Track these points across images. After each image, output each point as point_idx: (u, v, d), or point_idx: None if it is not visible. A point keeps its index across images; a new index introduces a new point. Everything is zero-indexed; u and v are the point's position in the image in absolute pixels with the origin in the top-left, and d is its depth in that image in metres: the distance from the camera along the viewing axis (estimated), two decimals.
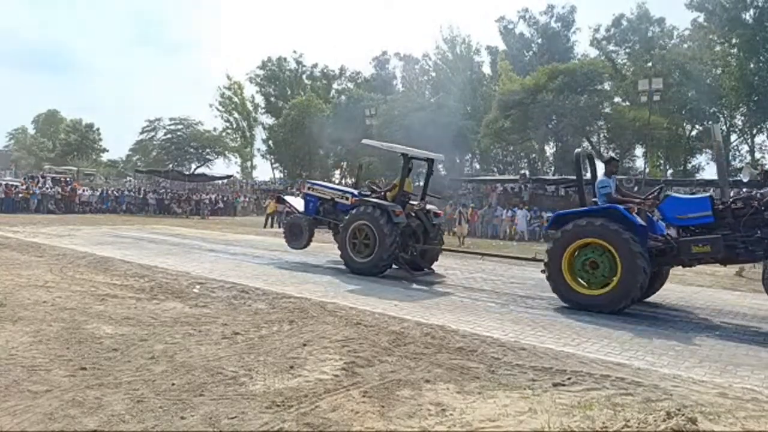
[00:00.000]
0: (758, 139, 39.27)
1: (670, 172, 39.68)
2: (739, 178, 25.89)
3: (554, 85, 33.39)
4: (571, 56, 44.28)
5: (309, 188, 11.50)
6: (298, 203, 12.28)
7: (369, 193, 10.57)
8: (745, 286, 9.88)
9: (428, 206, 10.46)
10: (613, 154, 10.09)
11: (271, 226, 23.06)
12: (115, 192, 33.74)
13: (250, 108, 58.65)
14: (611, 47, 42.88)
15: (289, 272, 9.45)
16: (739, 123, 39.78)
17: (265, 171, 63.11)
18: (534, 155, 43.99)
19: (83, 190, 31.48)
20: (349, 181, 52.91)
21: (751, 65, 37.09)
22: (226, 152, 51.81)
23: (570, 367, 4.41)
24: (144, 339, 4.81)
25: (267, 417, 3.25)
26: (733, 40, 37.95)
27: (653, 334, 5.87)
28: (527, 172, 35.58)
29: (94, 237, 14.40)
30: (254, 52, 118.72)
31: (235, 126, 58.22)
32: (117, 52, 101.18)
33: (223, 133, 55.64)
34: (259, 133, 58.66)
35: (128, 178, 46.82)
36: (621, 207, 6.99)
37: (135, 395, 3.52)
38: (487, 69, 50.53)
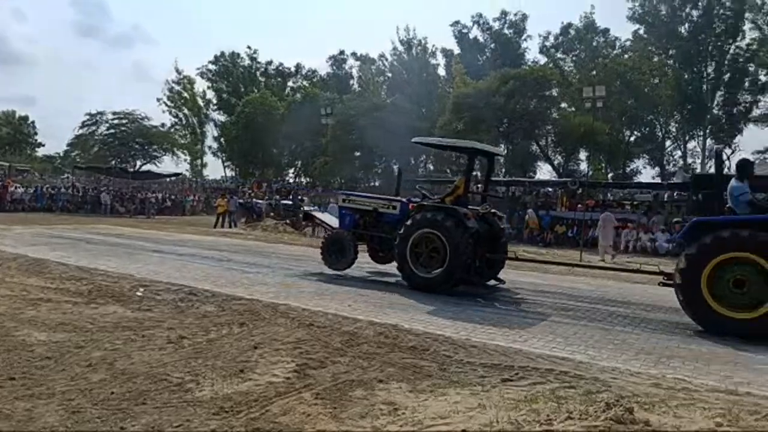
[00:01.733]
0: (690, 144, 41.71)
1: (611, 175, 41.42)
2: (673, 181, 27.49)
3: (506, 90, 34.28)
4: (522, 62, 45.57)
5: (345, 200, 10.02)
6: (329, 218, 11.11)
7: (422, 197, 9.42)
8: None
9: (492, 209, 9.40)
10: (747, 158, 8.42)
11: (222, 226, 22.56)
12: (50, 189, 32.02)
13: (201, 104, 57.12)
14: (559, 55, 44.51)
15: (240, 273, 9.28)
16: (674, 130, 42.08)
17: (216, 169, 61.55)
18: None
19: (15, 187, 29.70)
20: (304, 180, 52.52)
21: (686, 76, 39.37)
22: (175, 149, 50.19)
23: (518, 362, 4.56)
24: (81, 346, 4.60)
25: (214, 424, 3.19)
26: (670, 52, 40.17)
27: (594, 329, 6.15)
28: (478, 174, 36.30)
29: (26, 237, 13.60)
30: (206, 47, 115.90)
31: (184, 122, 56.50)
32: (56, 42, 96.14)
33: (172, 129, 53.91)
34: (211, 130, 57.26)
35: (66, 175, 44.59)
36: None
37: (70, 406, 3.36)
38: (442, 71, 51.30)
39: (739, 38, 38.28)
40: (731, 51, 38.56)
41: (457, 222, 8.05)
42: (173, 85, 55.66)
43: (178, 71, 56.04)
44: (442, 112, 39.38)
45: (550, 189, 30.85)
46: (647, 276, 10.09)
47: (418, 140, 10.35)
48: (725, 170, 7.06)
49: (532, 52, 47.76)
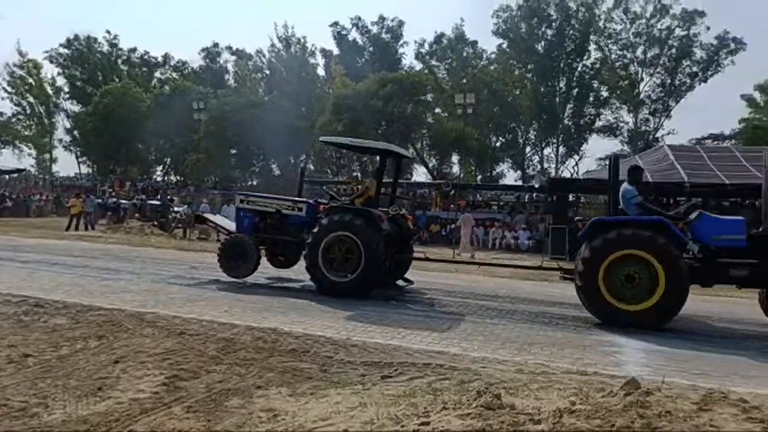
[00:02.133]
0: (546, 151, 46.23)
1: (479, 177, 44.41)
2: (531, 184, 30.27)
3: (384, 93, 35.19)
4: (399, 67, 47.06)
5: (243, 201, 9.41)
6: (223, 221, 10.44)
7: (330, 199, 9.18)
8: (537, 276, 11.46)
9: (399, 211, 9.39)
10: (638, 164, 9.00)
11: (76, 229, 20.29)
12: None
13: (50, 91, 50.87)
14: (433, 62, 46.69)
15: (99, 281, 8.40)
16: (533, 137, 46.32)
17: (68, 165, 55.17)
18: (365, 158, 45.74)
19: None
20: (173, 178, 49.22)
21: (542, 89, 43.52)
22: (17, 142, 44.19)
23: (397, 359, 4.67)
24: None
25: None
26: (529, 66, 44.14)
27: (466, 322, 6.53)
28: (359, 175, 36.92)
29: None
30: (55, 28, 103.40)
31: (29, 111, 49.98)
32: None
33: (13, 119, 47.41)
34: (62, 122, 51.25)
35: None
36: (669, 221, 6.73)
37: None
38: (321, 72, 51.20)
39: (585, 57, 43.21)
40: (579, 68, 43.39)
41: (371, 224, 7.88)
42: (15, 69, 49.00)
43: (21, 53, 49.46)
44: (321, 112, 39.35)
45: (425, 190, 32.23)
46: (514, 271, 10.98)
47: (325, 139, 10.11)
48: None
49: (408, 58, 49.58)
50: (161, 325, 5.47)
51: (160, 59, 54.44)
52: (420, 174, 43.89)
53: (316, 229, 8.09)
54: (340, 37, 49.31)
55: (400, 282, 8.92)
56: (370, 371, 4.33)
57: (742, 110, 35.28)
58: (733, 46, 39.98)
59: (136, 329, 5.31)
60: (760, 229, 6.91)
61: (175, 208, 22.48)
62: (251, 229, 9.13)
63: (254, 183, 42.61)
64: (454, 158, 44.01)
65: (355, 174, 37.50)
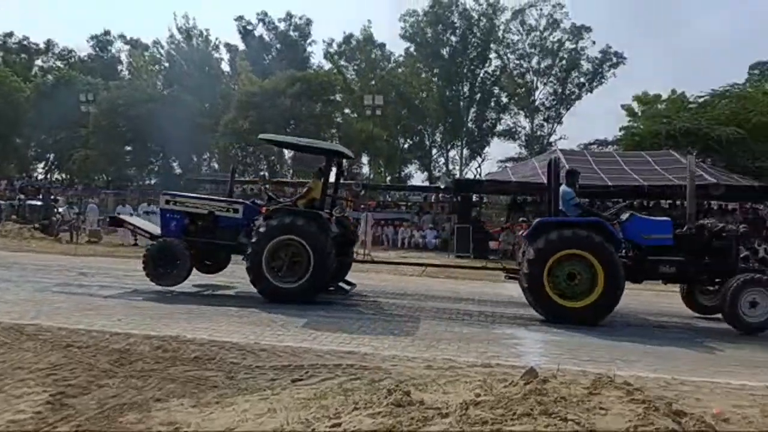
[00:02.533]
0: (452, 153, 48.04)
1: (388, 178, 45.18)
2: (438, 185, 31.32)
3: (292, 91, 34.64)
4: (308, 65, 46.58)
5: (170, 201, 8.66)
6: (144, 223, 9.58)
7: (268, 200, 8.73)
8: (441, 274, 11.86)
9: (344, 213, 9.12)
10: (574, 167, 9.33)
11: None
12: None
13: None
14: (342, 62, 46.71)
15: None
16: (439, 140, 47.92)
17: None
18: (273, 157, 44.76)
19: None
20: (59, 176, 44.96)
21: (447, 93, 45.17)
22: None
23: (307, 361, 4.60)
24: None
25: None
26: (435, 71, 45.60)
27: (377, 321, 6.59)
28: (267, 174, 36.04)
29: None
30: None
31: None
32: None
33: None
34: None
35: None
36: (605, 221, 7.09)
37: None
38: (226, 67, 49.28)
39: (487, 64, 45.45)
40: (481, 75, 45.54)
41: (321, 227, 7.57)
42: None
43: None
44: (226, 109, 37.91)
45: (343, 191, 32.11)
46: (419, 269, 11.25)
47: (266, 137, 9.43)
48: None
49: (317, 57, 49.22)
50: (44, 338, 4.96)
51: (42, 46, 49.53)
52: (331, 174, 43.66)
53: (258, 233, 7.60)
54: (245, 32, 47.88)
55: (343, 285, 8.63)
56: (279, 375, 4.22)
57: (623, 119, 38.97)
58: (614, 59, 44.07)
59: (14, 343, 4.77)
60: (684, 229, 7.43)
61: (60, 209, 20.58)
62: (179, 232, 8.43)
63: (152, 182, 40.10)
64: (364, 159, 44.34)
65: (262, 173, 36.52)
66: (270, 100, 34.35)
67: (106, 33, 50.61)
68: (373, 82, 43.27)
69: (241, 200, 9.00)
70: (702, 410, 3.47)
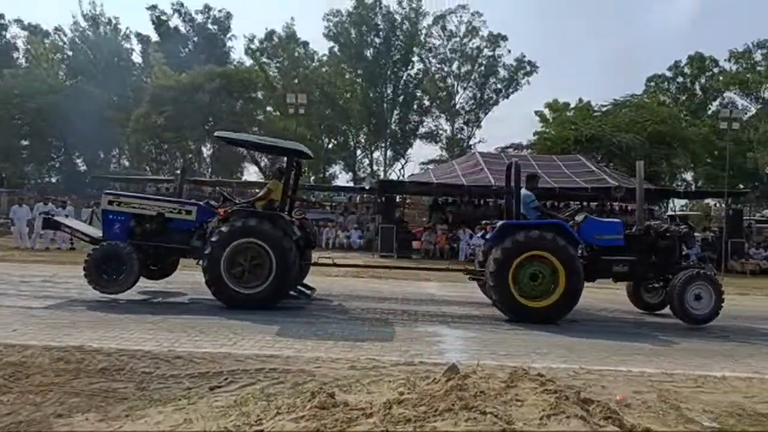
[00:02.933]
0: (376, 154, 48.47)
1: (312, 178, 44.75)
2: (362, 185, 31.46)
3: (211, 87, 33.38)
4: (227, 61, 45.08)
5: (113, 202, 8.03)
6: (82, 225, 8.80)
7: (223, 201, 8.26)
8: (366, 274, 11.93)
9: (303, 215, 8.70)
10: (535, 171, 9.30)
11: None
12: None
13: None
14: (264, 59, 45.67)
15: None
16: (363, 140, 48.17)
17: None
18: (190, 155, 42.88)
19: None
20: None
21: (371, 94, 45.50)
22: None
23: (227, 367, 4.43)
24: None
25: None
26: (359, 71, 45.78)
27: (299, 323, 6.47)
28: (183, 172, 34.36)
29: None
30: None
31: None
32: None
33: None
34: None
35: None
36: (566, 223, 7.30)
37: None
38: (137, 58, 46.60)
39: (410, 67, 46.27)
40: (404, 77, 46.29)
41: (284, 230, 7.24)
42: None
43: None
44: (138, 102, 35.83)
45: (257, 190, 31.36)
46: (343, 270, 11.20)
47: (222, 135, 8.74)
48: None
49: (237, 53, 47.81)
50: None
51: None
52: (251, 173, 42.62)
53: (216, 236, 7.18)
54: (159, 23, 45.52)
55: (304, 290, 8.37)
56: (196, 383, 4.04)
57: (536, 124, 41.27)
58: (528, 68, 46.47)
59: None
60: (634, 230, 7.82)
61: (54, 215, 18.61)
62: (124, 236, 7.85)
63: (53, 180, 37.11)
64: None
65: (177, 171, 34.83)
66: (187, 95, 32.89)
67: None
68: (296, 81, 42.67)
69: (194, 201, 8.59)
70: (607, 397, 3.73)
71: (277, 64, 45.65)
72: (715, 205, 33.22)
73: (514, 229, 7.19)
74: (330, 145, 46.72)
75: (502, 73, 46.86)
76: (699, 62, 44.41)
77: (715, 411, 3.76)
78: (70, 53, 44.93)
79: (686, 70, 45.04)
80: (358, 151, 48.63)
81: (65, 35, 45.18)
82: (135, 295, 8.01)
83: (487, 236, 7.55)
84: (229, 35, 47.35)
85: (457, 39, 46.36)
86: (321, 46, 54.65)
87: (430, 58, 47.10)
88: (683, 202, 34.58)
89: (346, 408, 3.07)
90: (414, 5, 44.70)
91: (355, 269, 11.16)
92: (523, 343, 5.88)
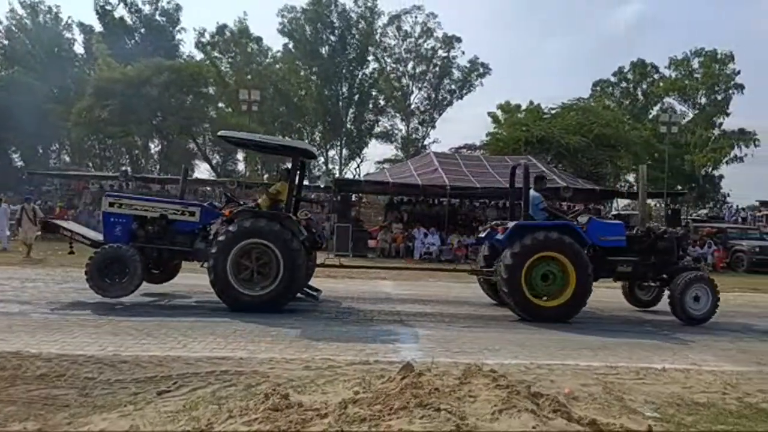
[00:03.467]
0: (331, 152, 48.20)
1: (266, 176, 44.04)
2: (317, 184, 31.23)
3: (160, 81, 32.23)
4: (177, 54, 43.68)
5: (114, 204, 7.80)
6: (82, 229, 8.57)
7: (227, 201, 8.16)
8: (320, 273, 11.80)
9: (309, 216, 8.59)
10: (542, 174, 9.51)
11: None
12: None
13: None
14: (216, 54, 44.54)
15: None
16: (318, 138, 47.77)
17: None
18: (137, 152, 41.34)
19: None
20: None
21: (326, 92, 45.18)
22: None
23: (176, 371, 4.30)
24: None
25: None
26: (314, 69, 45.36)
27: (252, 324, 6.34)
28: (129, 169, 33.14)
29: None
30: None
31: None
32: None
33: None
34: None
35: None
36: (575, 224, 7.48)
37: None
38: (80, 49, 44.46)
39: (365, 66, 46.24)
40: (360, 76, 46.23)
41: (291, 231, 7.14)
42: None
43: None
44: (80, 95, 34.18)
45: (208, 188, 30.67)
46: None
47: (226, 134, 8.43)
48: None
49: (187, 46, 46.45)
50: None
51: None
52: (203, 171, 41.55)
53: (222, 238, 7.06)
54: (103, 13, 43.56)
55: (310, 292, 8.25)
56: (143, 388, 3.89)
57: (489, 125, 42.12)
58: (481, 70, 47.37)
59: None
60: (635, 231, 8.14)
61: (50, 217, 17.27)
62: (126, 238, 7.68)
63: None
64: (240, 156, 42.76)
65: (124, 169, 33.48)
66: (134, 89, 31.63)
67: None
68: (249, 77, 41.87)
69: (197, 202, 8.43)
70: (556, 391, 3.85)
71: (230, 60, 44.63)
72: (655, 205, 34.82)
73: (527, 229, 7.33)
74: None
75: (456, 74, 47.58)
76: (641, 68, 46.57)
77: (657, 401, 3.95)
78: (6, 42, 42.36)
79: (629, 75, 47.10)
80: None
81: (1, 23, 42.61)
82: (85, 297, 7.66)
83: (498, 237, 7.65)
84: (178, 28, 45.87)
85: (412, 39, 46.71)
86: (275, 42, 53.85)
87: (386, 58, 47.26)
88: (626, 201, 36.16)
89: (301, 409, 3.04)
90: (369, 4, 44.72)
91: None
92: (476, 340, 5.99)
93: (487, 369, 3.38)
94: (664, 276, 8.09)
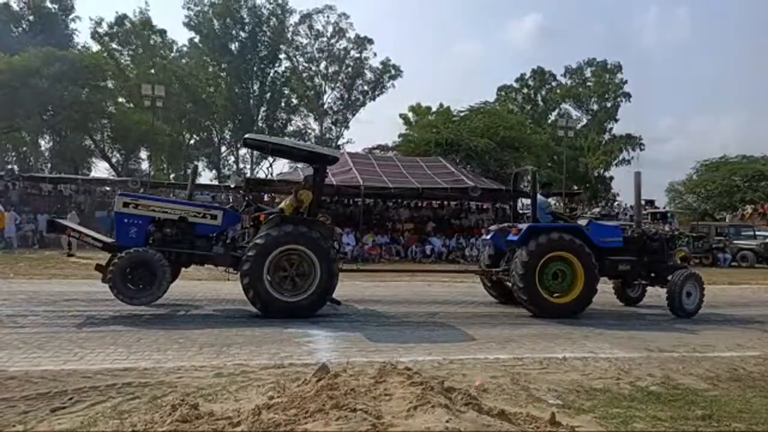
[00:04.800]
0: (242, 151, 46.78)
1: (172, 175, 41.87)
2: (228, 184, 30.15)
3: (51, 72, 29.55)
4: (70, 44, 40.29)
5: (128, 204, 7.48)
6: (91, 230, 8.30)
7: (246, 206, 8.14)
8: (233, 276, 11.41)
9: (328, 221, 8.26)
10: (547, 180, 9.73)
11: None
12: None
13: None
14: (114, 45, 41.65)
15: None
16: (228, 137, 46.20)
17: None
18: (25, 149, 37.63)
19: None
20: None
21: (237, 90, 43.79)
22: None
23: (72, 385, 3.96)
24: None
25: None
26: (223, 65, 43.80)
27: (159, 331, 5.98)
28: (16, 168, 30.10)
29: None
30: None
31: None
32: None
33: None
34: None
35: None
36: (582, 227, 8.02)
37: None
38: None
39: (277, 65, 45.40)
40: (271, 74, 45.31)
41: (324, 235, 7.27)
42: None
43: None
44: None
45: (108, 188, 28.62)
46: (206, 272, 10.64)
47: (252, 137, 7.95)
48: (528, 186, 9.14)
49: (83, 36, 43.06)
50: None
51: None
52: (101, 170, 38.64)
53: (260, 241, 7.00)
54: None
55: (333, 298, 7.86)
56: (34, 406, 3.55)
57: (401, 126, 42.98)
58: (393, 71, 48.21)
59: None
60: (630, 233, 8.71)
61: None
62: (141, 241, 7.41)
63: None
64: (143, 154, 40.27)
65: (10, 167, 30.31)
66: (20, 80, 28.75)
67: None
68: (152, 71, 39.56)
69: (218, 205, 8.22)
70: (467, 384, 4.01)
71: (130, 52, 41.92)
72: (555, 204, 37.42)
73: (541, 231, 7.82)
74: (192, 141, 44.07)
75: (369, 75, 48.09)
76: (540, 76, 49.80)
77: (559, 389, 4.23)
78: None
79: (530, 82, 50.18)
80: (223, 148, 46.56)
81: None
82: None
83: (512, 237, 8.03)
84: (72, 16, 42.37)
85: (325, 39, 46.54)
86: (180, 36, 51.26)
87: (298, 57, 46.73)
88: (529, 201, 38.41)
89: (212, 418, 2.92)
90: (280, 1, 43.97)
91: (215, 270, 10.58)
92: (391, 339, 6.07)
93: (401, 367, 3.44)
94: (653, 274, 8.73)
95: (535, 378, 4.53)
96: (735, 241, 23.46)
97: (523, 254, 7.64)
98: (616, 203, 41.44)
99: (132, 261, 7.08)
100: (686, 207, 38.17)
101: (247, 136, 8.07)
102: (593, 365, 5.07)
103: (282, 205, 8.10)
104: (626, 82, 47.65)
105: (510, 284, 8.10)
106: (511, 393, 4.04)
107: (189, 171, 43.72)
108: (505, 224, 8.84)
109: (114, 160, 39.16)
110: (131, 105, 37.53)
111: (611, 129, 48.01)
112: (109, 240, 7.86)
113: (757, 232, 24.41)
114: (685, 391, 4.30)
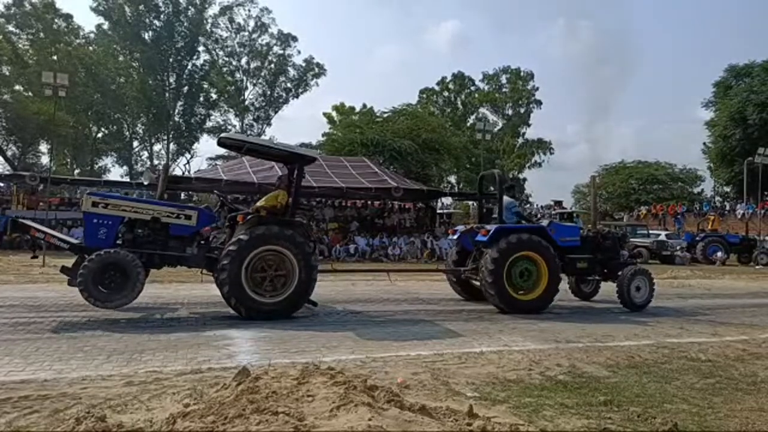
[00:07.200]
0: (156, 147, 44.44)
1: (77, 171, 38.99)
2: (140, 181, 28.49)
3: None
4: None
5: (97, 204, 7.12)
6: (52, 231, 7.86)
7: (220, 206, 8.16)
8: (167, 278, 10.82)
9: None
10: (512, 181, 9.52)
11: None
12: None
13: None
14: (11, 28, 38.02)
15: None
16: (141, 131, 43.69)
17: None
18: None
19: None
20: None
21: (150, 81, 41.50)
22: None
23: None
24: None
25: None
26: (136, 55, 41.36)
27: (60, 339, 5.54)
28: None
29: None
30: None
31: None
32: None
33: None
34: None
35: None
36: (547, 227, 8.50)
37: None
38: None
39: (195, 57, 43.53)
40: (189, 67, 43.38)
41: (305, 237, 7.32)
42: None
43: None
44: None
45: (2, 184, 26.14)
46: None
47: (227, 137, 7.63)
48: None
49: None
50: None
51: None
52: None
53: (235, 245, 6.87)
54: None
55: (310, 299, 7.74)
56: None
57: (325, 125, 42.74)
58: (317, 70, 47.83)
59: None
60: (586, 233, 9.29)
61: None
62: (111, 242, 7.10)
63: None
64: (43, 147, 37.09)
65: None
66: None
67: None
68: (54, 58, 36.56)
69: (193, 205, 7.75)
70: (389, 381, 4.06)
71: (30, 36, 38.46)
72: (473, 204, 38.84)
73: (508, 232, 8.22)
74: (100, 135, 41.23)
75: (292, 72, 47.41)
76: (460, 80, 51.51)
77: (476, 382, 4.40)
78: None
79: (450, 86, 51.76)
80: (135, 143, 43.99)
81: None
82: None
83: (481, 238, 8.35)
84: None
85: (246, 33, 45.30)
86: (87, 22, 47.76)
87: (218, 50, 45.15)
88: (449, 201, 39.61)
89: (121, 430, 2.75)
90: None
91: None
92: (313, 339, 6.02)
93: (324, 367, 3.42)
94: (605, 270, 9.28)
95: (454, 372, 4.67)
96: (631, 239, 25.56)
97: (494, 253, 8.02)
98: (529, 204, 43.83)
99: (104, 262, 6.75)
100: (589, 208, 41.05)
101: (222, 135, 7.89)
102: (507, 358, 5.31)
103: (257, 204, 7.94)
104: (537, 89, 50.45)
105: (478, 283, 8.52)
106: (432, 388, 4.14)
107: (95, 167, 40.80)
108: (472, 225, 9.36)
109: (9, 153, 35.75)
110: (30, 94, 34.43)
111: (524, 133, 50.63)
112: (76, 241, 7.57)
113: (650, 231, 26.75)
114: (589, 379, 4.62)
